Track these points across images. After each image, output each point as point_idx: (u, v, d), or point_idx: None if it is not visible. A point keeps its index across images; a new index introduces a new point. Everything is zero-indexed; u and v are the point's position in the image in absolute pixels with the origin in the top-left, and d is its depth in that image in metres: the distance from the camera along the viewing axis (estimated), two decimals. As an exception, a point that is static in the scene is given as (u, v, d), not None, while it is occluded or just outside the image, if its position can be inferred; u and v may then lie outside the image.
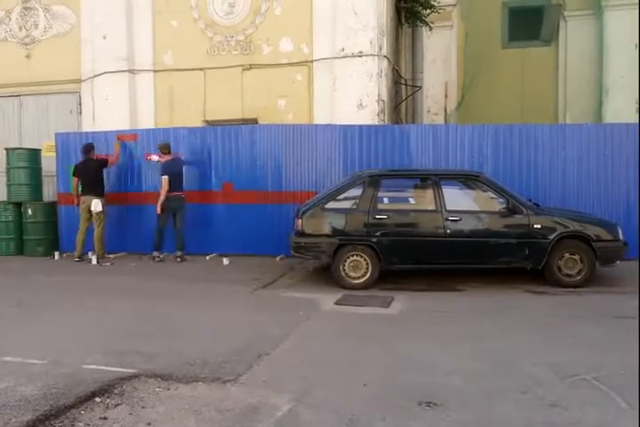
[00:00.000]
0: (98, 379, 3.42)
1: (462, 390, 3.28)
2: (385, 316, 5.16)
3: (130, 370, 3.61)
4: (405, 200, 6.98)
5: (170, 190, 8.08)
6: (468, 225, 6.31)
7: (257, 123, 9.63)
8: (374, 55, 9.28)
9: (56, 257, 8.73)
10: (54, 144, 9.33)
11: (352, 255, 6.35)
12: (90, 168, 8.36)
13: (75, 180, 8.49)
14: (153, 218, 8.36)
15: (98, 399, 3.16)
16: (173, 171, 8.19)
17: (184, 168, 8.45)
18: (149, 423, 2.87)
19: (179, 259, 8.18)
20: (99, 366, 3.70)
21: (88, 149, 8.48)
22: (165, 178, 8.07)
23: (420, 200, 6.81)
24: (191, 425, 2.85)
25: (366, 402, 3.12)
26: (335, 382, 3.44)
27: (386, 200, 6.74)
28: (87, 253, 8.41)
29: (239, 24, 9.91)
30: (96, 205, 8.22)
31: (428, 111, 13.90)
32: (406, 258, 6.43)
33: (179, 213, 8.20)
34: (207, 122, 10.04)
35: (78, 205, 8.41)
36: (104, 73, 10.28)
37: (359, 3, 9.26)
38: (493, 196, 6.49)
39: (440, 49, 13.91)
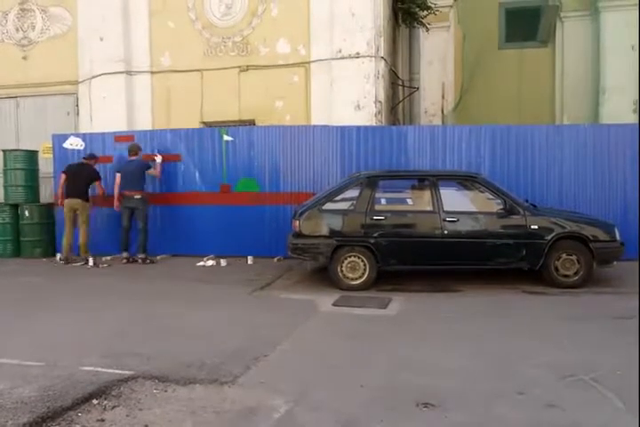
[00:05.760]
0: (95, 381, 3.42)
1: (460, 390, 3.28)
2: (383, 317, 5.16)
3: (127, 372, 3.60)
4: (403, 201, 6.98)
5: (123, 189, 8.30)
6: (465, 226, 6.32)
7: (254, 124, 9.64)
8: (371, 56, 9.29)
9: (57, 259, 8.68)
10: (51, 146, 9.31)
11: (350, 256, 6.35)
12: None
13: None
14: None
15: (95, 401, 3.15)
16: (126, 170, 8.33)
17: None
18: (146, 425, 2.86)
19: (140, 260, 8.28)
20: (96, 367, 3.69)
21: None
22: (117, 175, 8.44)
23: (417, 201, 6.81)
24: (188, 427, 2.85)
25: (364, 403, 3.12)
26: (333, 383, 3.44)
27: (383, 201, 6.74)
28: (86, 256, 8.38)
29: (236, 25, 9.91)
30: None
31: (426, 112, 13.89)
32: (404, 259, 6.43)
33: (136, 213, 8.30)
34: (204, 123, 10.03)
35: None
36: (101, 74, 10.28)
37: (356, 4, 9.27)
38: (491, 196, 6.49)
39: (437, 50, 13.91)
